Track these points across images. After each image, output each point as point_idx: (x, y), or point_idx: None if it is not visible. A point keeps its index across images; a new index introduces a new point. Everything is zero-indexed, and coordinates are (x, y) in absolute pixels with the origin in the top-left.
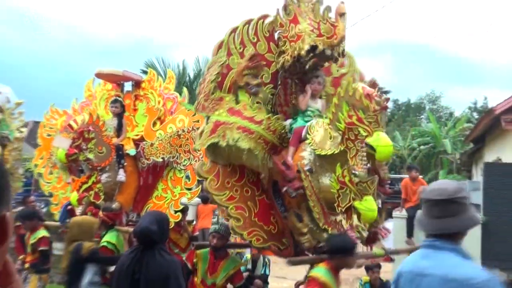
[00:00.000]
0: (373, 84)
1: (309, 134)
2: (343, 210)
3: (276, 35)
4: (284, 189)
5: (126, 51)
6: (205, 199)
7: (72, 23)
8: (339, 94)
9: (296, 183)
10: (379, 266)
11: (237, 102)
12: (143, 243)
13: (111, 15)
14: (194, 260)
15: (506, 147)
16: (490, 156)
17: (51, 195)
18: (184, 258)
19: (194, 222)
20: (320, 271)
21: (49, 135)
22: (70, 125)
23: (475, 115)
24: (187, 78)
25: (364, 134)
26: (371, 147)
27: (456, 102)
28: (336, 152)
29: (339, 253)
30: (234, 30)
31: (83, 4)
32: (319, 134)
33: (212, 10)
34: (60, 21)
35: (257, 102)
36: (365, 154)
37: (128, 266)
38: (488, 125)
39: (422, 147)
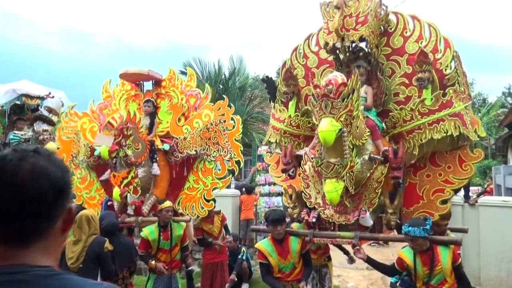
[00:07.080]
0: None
1: None
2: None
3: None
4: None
5: (165, 56)
6: (250, 189)
7: (116, 33)
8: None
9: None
10: None
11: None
12: (111, 233)
13: (149, 24)
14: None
15: None
16: None
17: (74, 196)
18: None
19: (221, 212)
20: (261, 243)
21: (68, 137)
22: (110, 123)
23: (510, 100)
24: (223, 76)
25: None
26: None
27: (489, 88)
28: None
29: (269, 224)
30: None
31: (126, 15)
32: None
33: (239, 14)
34: (106, 32)
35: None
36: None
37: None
38: None
39: None
